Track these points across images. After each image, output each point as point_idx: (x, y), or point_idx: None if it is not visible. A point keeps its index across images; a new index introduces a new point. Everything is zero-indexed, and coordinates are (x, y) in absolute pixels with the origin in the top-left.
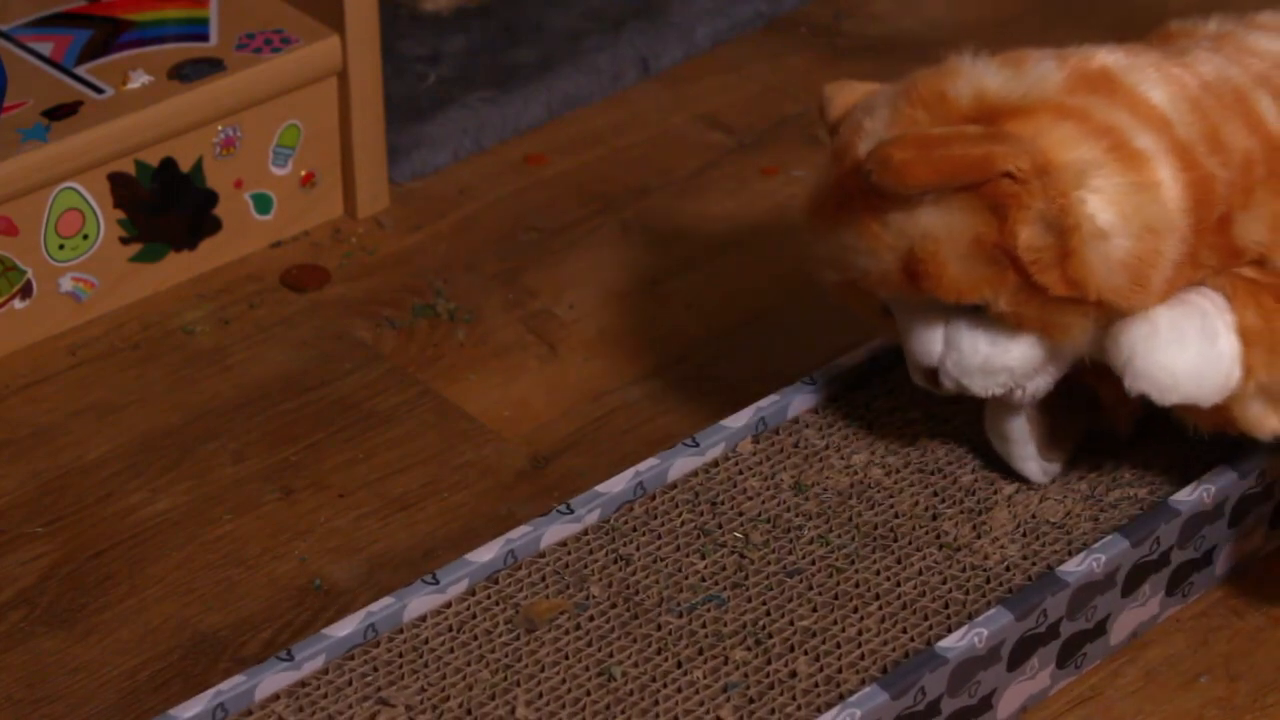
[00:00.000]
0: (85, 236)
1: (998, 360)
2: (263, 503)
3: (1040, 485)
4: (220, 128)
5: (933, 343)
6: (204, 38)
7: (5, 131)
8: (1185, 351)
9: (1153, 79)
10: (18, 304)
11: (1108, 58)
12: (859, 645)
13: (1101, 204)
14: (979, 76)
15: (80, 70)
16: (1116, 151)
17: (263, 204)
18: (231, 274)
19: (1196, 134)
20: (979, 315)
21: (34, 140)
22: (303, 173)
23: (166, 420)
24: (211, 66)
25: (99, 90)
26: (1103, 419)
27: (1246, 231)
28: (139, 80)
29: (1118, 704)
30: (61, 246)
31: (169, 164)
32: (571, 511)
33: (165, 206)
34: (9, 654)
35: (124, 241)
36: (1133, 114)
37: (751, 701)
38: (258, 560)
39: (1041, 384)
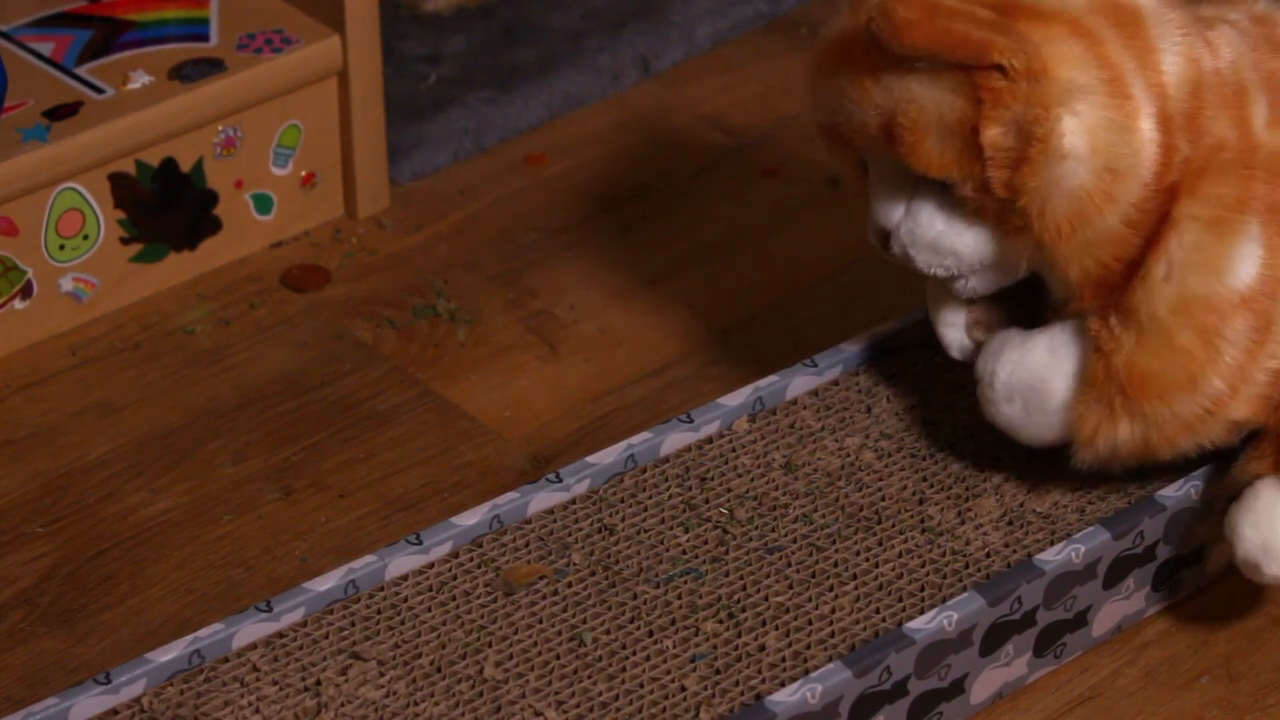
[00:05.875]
0: (86, 237)
1: (948, 242)
2: (263, 503)
3: (955, 357)
4: (220, 128)
5: (895, 206)
6: (204, 38)
7: (5, 131)
8: (1011, 408)
9: (1173, 44)
10: (18, 304)
11: (1144, 1)
12: (830, 623)
13: (1077, 129)
14: None
15: (80, 70)
16: (1112, 86)
17: (263, 204)
18: (232, 274)
19: (1181, 111)
20: (945, 193)
21: (34, 140)
22: (303, 173)
23: (167, 420)
24: (212, 67)
25: (99, 90)
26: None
27: (1183, 208)
28: (139, 80)
29: (1118, 704)
30: (62, 247)
31: (169, 164)
32: (560, 480)
33: (165, 207)
34: (10, 654)
35: (124, 242)
36: (1140, 65)
37: (717, 673)
38: (258, 561)
39: (983, 284)
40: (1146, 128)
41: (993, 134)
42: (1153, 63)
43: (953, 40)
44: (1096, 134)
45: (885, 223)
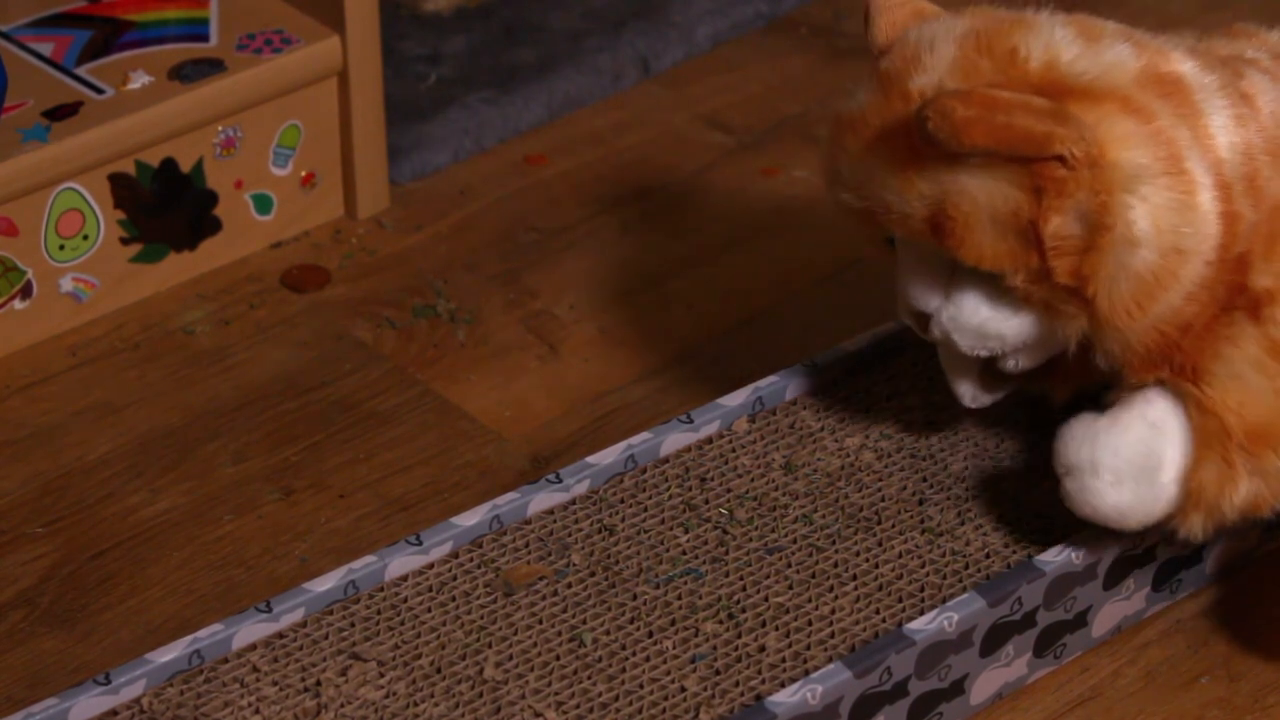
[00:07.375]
0: (85, 237)
1: (994, 327)
2: (263, 503)
3: (968, 405)
4: (220, 128)
5: (932, 293)
6: (204, 38)
7: (5, 132)
8: (1120, 493)
9: (1219, 108)
10: (18, 304)
11: (1183, 66)
12: (830, 624)
13: (1144, 213)
14: (1053, 43)
15: (80, 70)
16: (1170, 164)
17: (263, 204)
18: (232, 274)
19: (1239, 175)
20: (989, 281)
21: (34, 140)
22: (303, 173)
23: (167, 420)
24: (212, 67)
25: (99, 90)
26: (1044, 384)
27: (1260, 277)
28: (139, 81)
29: (1118, 704)
30: (62, 247)
31: (169, 164)
32: (560, 481)
33: (165, 207)
34: (10, 654)
35: (124, 242)
36: (1194, 135)
37: (717, 673)
38: (258, 561)
39: (1031, 360)
40: (1205, 199)
41: (1055, 224)
42: (1204, 131)
43: (1014, 137)
44: (1161, 215)
45: (922, 307)
